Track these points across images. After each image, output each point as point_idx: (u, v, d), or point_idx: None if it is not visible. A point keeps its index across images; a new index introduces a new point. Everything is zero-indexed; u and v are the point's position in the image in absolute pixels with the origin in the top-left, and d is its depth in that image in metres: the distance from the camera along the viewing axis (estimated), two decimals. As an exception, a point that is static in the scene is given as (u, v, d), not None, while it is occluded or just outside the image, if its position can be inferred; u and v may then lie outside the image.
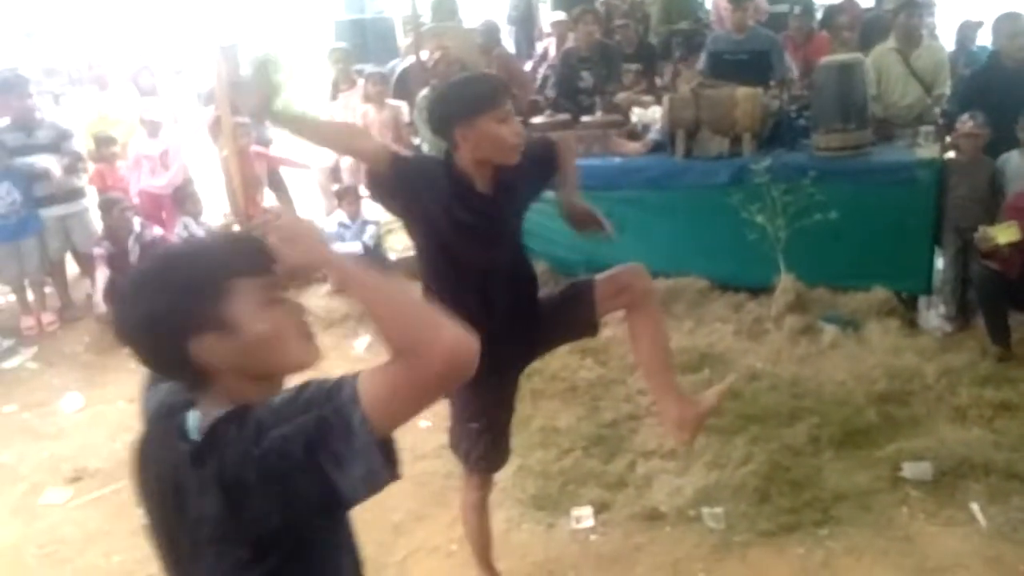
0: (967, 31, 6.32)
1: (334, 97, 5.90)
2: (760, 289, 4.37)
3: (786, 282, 4.21)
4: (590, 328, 2.34)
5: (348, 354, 4.40)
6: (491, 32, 5.91)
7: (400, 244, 5.84)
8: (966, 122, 3.87)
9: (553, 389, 3.66)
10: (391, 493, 3.05)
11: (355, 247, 5.27)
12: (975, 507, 2.71)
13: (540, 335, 2.31)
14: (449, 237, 2.07)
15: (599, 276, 2.33)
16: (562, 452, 3.19)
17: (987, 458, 2.93)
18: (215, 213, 5.77)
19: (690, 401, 2.31)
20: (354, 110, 5.59)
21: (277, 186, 5.79)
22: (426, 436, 3.46)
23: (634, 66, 5.91)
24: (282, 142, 5.92)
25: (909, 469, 2.91)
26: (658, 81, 5.73)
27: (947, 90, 4.70)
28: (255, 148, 5.53)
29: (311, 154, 5.81)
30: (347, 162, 5.47)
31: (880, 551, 2.56)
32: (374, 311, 1.02)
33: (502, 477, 3.06)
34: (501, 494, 3.02)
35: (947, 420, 3.23)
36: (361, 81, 5.73)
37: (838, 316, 4.07)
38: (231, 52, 5.87)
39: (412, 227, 2.20)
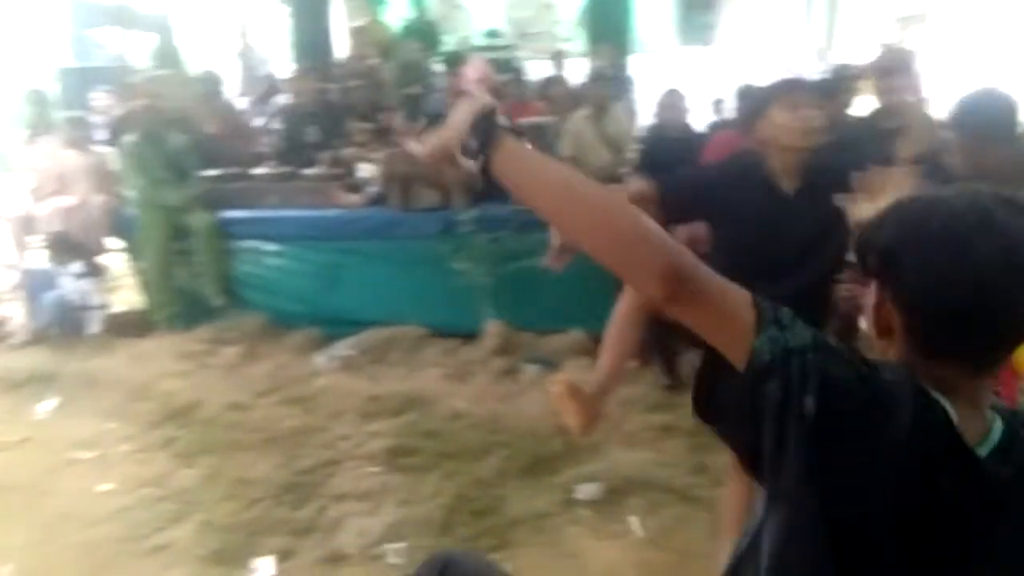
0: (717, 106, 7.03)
1: (31, 141, 5.43)
2: (473, 335, 4.57)
3: (493, 327, 4.45)
4: None
5: (29, 420, 3.98)
6: (211, 82, 5.79)
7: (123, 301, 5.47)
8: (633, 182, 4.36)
9: (251, 440, 3.54)
10: (53, 563, 2.77)
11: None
12: (634, 520, 2.97)
13: None
14: None
15: None
16: (250, 503, 3.08)
17: (648, 476, 3.24)
18: None
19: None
20: (53, 155, 5.17)
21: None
22: (103, 500, 3.21)
23: (367, 125, 6.06)
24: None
25: (581, 491, 3.14)
26: (392, 141, 5.91)
27: (630, 154, 5.27)
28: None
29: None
30: (44, 209, 5.04)
31: (547, 569, 2.72)
32: None
33: (180, 536, 2.91)
34: (181, 553, 2.86)
35: (620, 444, 3.53)
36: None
37: (539, 357, 4.35)
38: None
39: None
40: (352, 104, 6.19)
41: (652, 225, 0.91)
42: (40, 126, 5.38)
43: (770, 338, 0.88)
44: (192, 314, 5.02)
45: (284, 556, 2.80)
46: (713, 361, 0.94)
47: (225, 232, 4.95)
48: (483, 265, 4.41)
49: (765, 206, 2.32)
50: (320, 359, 4.47)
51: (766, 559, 0.95)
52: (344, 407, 3.86)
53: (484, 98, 1.13)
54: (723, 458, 3.35)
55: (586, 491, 3.14)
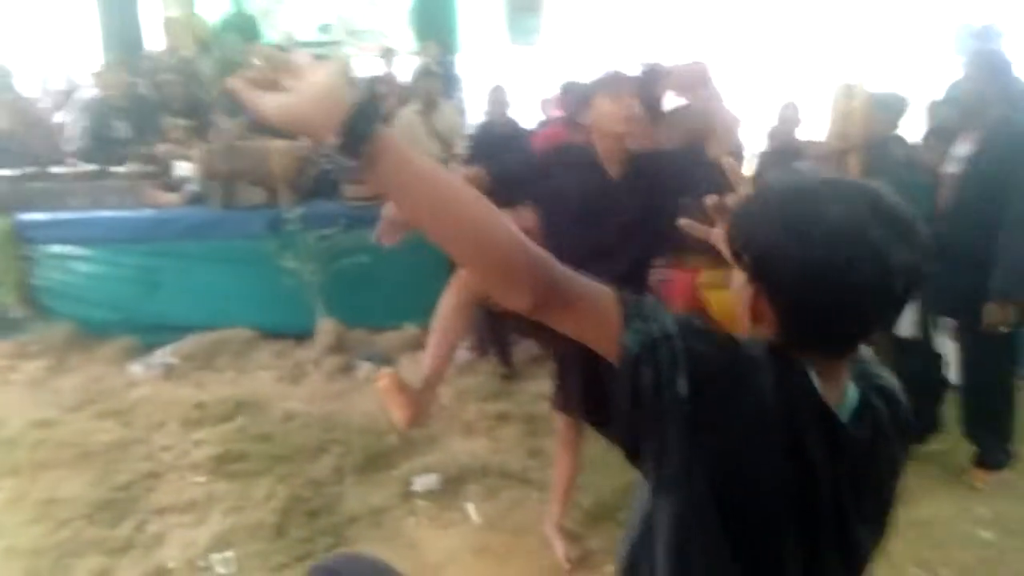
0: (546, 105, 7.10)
1: None
2: (306, 335, 4.45)
3: (325, 325, 4.36)
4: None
5: None
6: (0, 74, 5.28)
7: None
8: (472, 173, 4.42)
9: (60, 457, 3.27)
10: None
11: None
12: (470, 507, 3.02)
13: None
14: None
15: None
16: (60, 524, 2.84)
17: (485, 463, 3.30)
18: None
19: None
20: None
21: None
22: None
23: (183, 122, 5.74)
24: None
25: (418, 483, 3.15)
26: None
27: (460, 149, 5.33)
28: None
29: None
30: None
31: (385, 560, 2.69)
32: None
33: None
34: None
35: (457, 434, 3.58)
36: None
37: (373, 353, 4.30)
38: None
39: None
40: (166, 99, 5.85)
41: (523, 236, 0.91)
42: None
43: (636, 331, 0.92)
44: (-13, 326, 4.56)
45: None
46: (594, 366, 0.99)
47: (24, 237, 4.53)
48: (313, 263, 4.31)
49: (590, 190, 2.44)
50: (137, 368, 4.20)
51: (663, 550, 0.98)
52: (166, 417, 3.64)
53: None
54: (553, 440, 3.48)
55: (423, 482, 3.15)
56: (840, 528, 0.97)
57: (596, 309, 0.94)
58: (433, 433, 3.58)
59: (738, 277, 1.00)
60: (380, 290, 4.43)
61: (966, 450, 3.25)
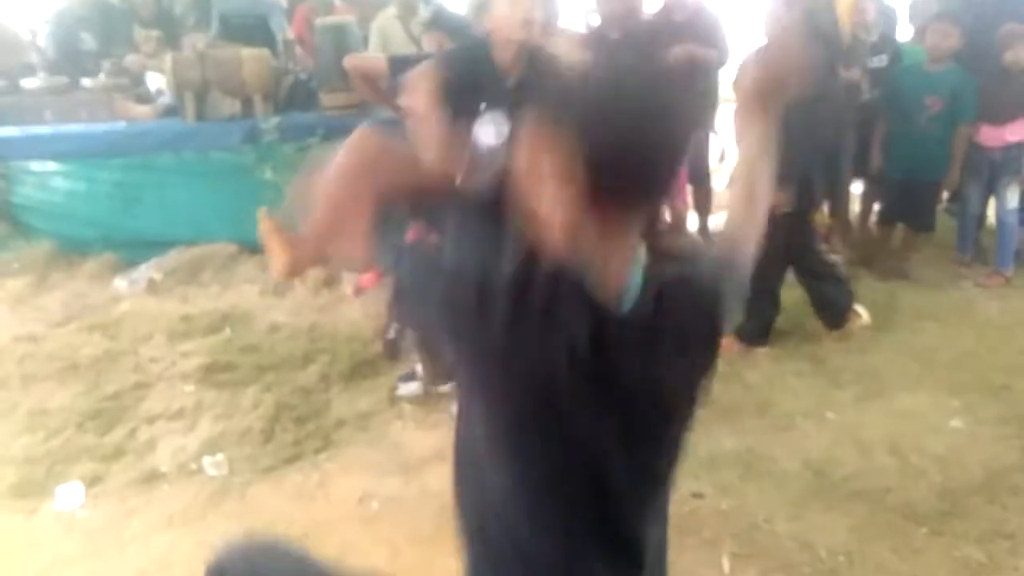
0: None
1: None
2: (288, 248, 4.43)
3: (307, 237, 4.34)
4: None
5: None
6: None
7: None
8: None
9: (48, 370, 3.29)
10: None
11: None
12: (454, 408, 3.07)
13: None
14: None
15: None
16: (51, 433, 2.88)
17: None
18: None
19: None
20: None
21: None
22: None
23: (155, 32, 5.56)
24: None
25: (403, 388, 3.20)
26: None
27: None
28: None
29: None
30: None
31: (371, 462, 2.77)
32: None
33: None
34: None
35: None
36: None
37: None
38: None
39: None
40: (135, 8, 5.64)
41: None
42: None
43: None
44: (-35, 246, 4.52)
45: (92, 482, 2.67)
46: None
47: (-3, 153, 4.45)
48: (292, 175, 4.24)
49: (488, 97, 2.41)
50: (121, 283, 4.19)
51: (484, 444, 1.00)
52: (152, 330, 3.66)
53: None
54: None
55: (408, 388, 3.20)
56: (627, 403, 0.96)
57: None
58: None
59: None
60: (362, 201, 4.40)
61: (947, 345, 3.37)
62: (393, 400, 3.15)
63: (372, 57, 3.40)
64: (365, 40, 4.85)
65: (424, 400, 3.15)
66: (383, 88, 3.45)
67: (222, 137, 4.37)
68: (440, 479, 2.63)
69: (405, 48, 5.12)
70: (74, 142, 4.44)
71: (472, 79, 2.43)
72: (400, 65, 3.19)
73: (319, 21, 4.58)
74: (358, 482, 2.65)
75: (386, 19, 5.18)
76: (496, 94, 2.43)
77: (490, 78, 2.48)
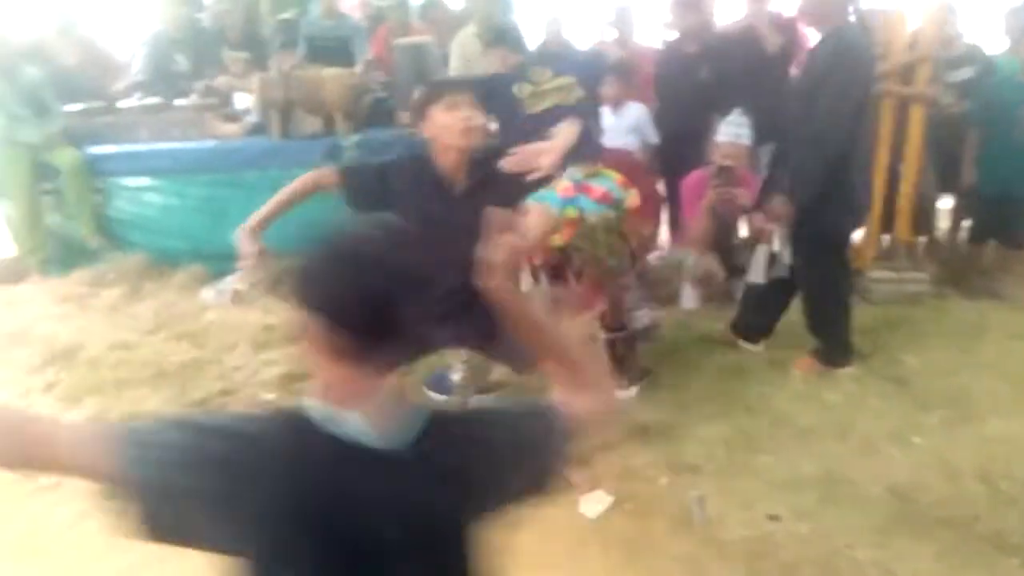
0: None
1: None
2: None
3: (384, 251, 4.45)
4: (521, 372, 2.67)
5: None
6: (67, 11, 5.39)
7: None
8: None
9: (140, 376, 3.46)
10: None
11: None
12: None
13: (477, 336, 2.46)
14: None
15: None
16: (142, 437, 3.03)
17: (542, 383, 3.35)
18: None
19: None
20: None
21: None
22: None
23: (243, 54, 5.80)
24: None
25: (472, 403, 3.23)
26: (271, 70, 5.68)
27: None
28: None
29: None
30: None
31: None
32: (559, 337, 1.16)
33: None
34: (70, 491, 2.79)
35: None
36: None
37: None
38: None
39: None
40: (225, 31, 5.90)
41: None
42: None
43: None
44: (68, 257, 4.79)
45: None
46: None
47: (95, 169, 4.71)
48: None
49: (433, 204, 2.34)
50: (208, 294, 4.37)
51: None
52: (236, 339, 3.80)
53: None
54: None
55: (478, 401, 3.23)
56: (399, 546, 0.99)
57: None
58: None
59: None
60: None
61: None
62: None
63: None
64: (444, 59, 4.95)
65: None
66: None
67: (305, 154, 4.51)
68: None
69: (486, 65, 5.22)
70: (166, 159, 4.67)
71: (417, 187, 2.38)
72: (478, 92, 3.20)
73: (398, 41, 4.70)
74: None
75: (466, 37, 5.28)
76: (445, 202, 2.38)
77: (436, 186, 2.41)
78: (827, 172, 3.00)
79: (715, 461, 2.77)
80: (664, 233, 4.78)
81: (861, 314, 3.91)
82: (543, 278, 3.35)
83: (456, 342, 2.71)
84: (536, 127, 2.96)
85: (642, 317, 3.39)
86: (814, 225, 3.12)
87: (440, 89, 2.41)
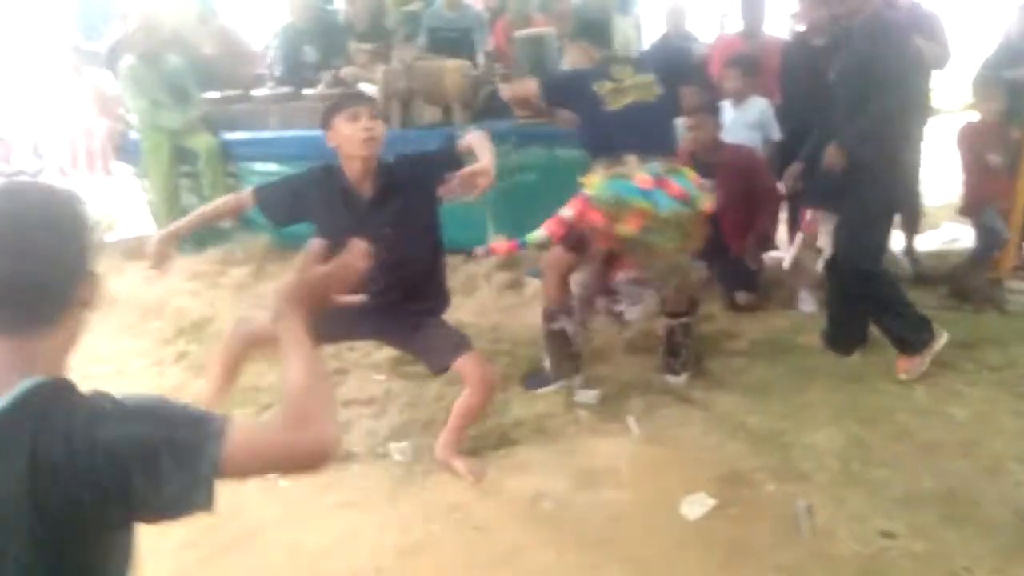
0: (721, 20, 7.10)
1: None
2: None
3: (496, 241, 4.49)
4: (435, 371, 2.79)
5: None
6: (207, 3, 5.72)
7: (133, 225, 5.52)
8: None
9: (261, 352, 3.63)
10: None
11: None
12: (631, 419, 3.07)
13: (397, 334, 2.71)
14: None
15: (468, 354, 2.64)
16: (261, 408, 3.20)
17: (648, 379, 3.33)
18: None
19: (454, 453, 2.76)
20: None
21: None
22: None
23: (368, 45, 5.98)
24: None
25: (581, 395, 3.23)
26: (394, 61, 5.85)
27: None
28: None
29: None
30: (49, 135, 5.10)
31: (545, 463, 2.82)
32: (295, 374, 1.15)
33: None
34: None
35: (622, 351, 3.62)
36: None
37: (540, 270, 4.39)
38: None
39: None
40: (352, 23, 6.11)
41: None
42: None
43: None
44: (201, 237, 5.07)
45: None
46: None
47: (229, 154, 4.98)
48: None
49: (343, 213, 2.49)
50: (327, 277, 4.54)
51: None
52: (351, 321, 3.94)
53: None
54: (720, 363, 3.44)
55: (586, 395, 3.23)
56: None
57: None
58: (598, 348, 3.65)
59: None
60: (549, 208, 4.47)
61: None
62: (570, 405, 3.19)
63: (525, 82, 3.58)
64: (561, 52, 4.94)
65: (601, 408, 3.17)
66: (537, 106, 3.68)
67: (423, 143, 4.58)
68: (613, 488, 2.64)
69: (569, 60, 5.19)
70: (294, 146, 4.87)
71: (328, 197, 2.52)
72: (551, 85, 3.35)
73: (518, 33, 4.73)
74: (532, 482, 2.71)
75: (582, 30, 5.25)
76: (353, 210, 2.51)
77: (345, 195, 2.53)
78: (880, 143, 3.08)
79: (827, 471, 2.66)
80: (783, 232, 4.62)
81: (995, 325, 3.67)
82: (594, 263, 3.44)
83: (375, 336, 2.89)
84: (617, 124, 3.05)
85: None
86: (858, 193, 3.13)
87: (343, 101, 2.57)
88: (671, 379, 3.31)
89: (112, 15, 6.54)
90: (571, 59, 3.85)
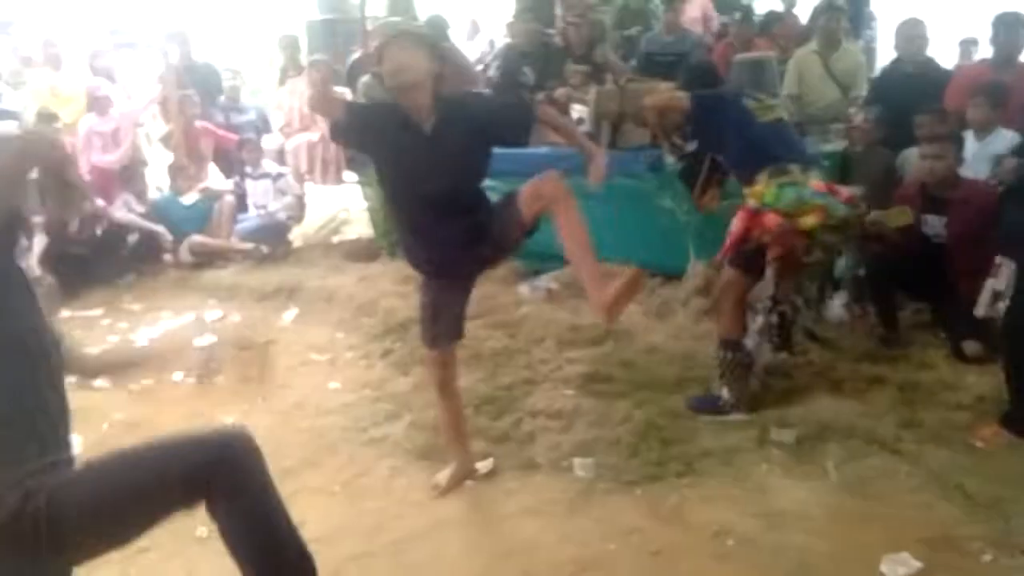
0: (966, 47, 6.90)
1: (282, 82, 6.06)
2: (675, 275, 4.55)
3: (695, 267, 4.40)
4: (520, 227, 2.66)
5: (275, 325, 4.56)
6: (437, 26, 6.08)
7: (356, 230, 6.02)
8: (857, 115, 4.09)
9: (459, 356, 3.76)
10: (287, 442, 3.19)
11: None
12: (829, 465, 2.87)
13: (480, 248, 2.69)
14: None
15: (522, 187, 2.62)
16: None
17: (851, 424, 3.10)
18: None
19: (608, 284, 2.60)
20: (300, 95, 5.76)
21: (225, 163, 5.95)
22: (333, 395, 3.63)
23: (583, 67, 6.11)
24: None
25: (776, 433, 3.07)
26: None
27: (864, 92, 4.90)
28: (200, 124, 5.71)
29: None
30: (292, 144, 5.66)
31: (732, 498, 2.70)
32: None
33: (393, 432, 3.24)
34: (391, 445, 3.18)
35: (824, 392, 3.40)
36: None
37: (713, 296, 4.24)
38: (181, 37, 6.05)
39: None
40: (569, 46, 6.26)
41: None
42: (290, 69, 5.98)
43: None
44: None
45: (482, 459, 3.01)
46: None
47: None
48: (687, 204, 4.35)
49: (404, 144, 2.50)
50: (524, 289, 4.67)
51: None
52: (545, 334, 4.03)
53: None
54: (936, 415, 3.14)
55: (782, 434, 3.06)
56: None
57: None
58: (798, 386, 3.46)
59: None
60: (754, 236, 4.33)
61: None
62: (763, 442, 3.04)
63: (675, 92, 3.56)
64: (782, 76, 4.79)
65: (796, 449, 2.99)
66: (673, 123, 3.60)
67: (630, 165, 4.62)
68: (803, 534, 2.49)
69: (820, 83, 4.96)
70: (506, 162, 5.02)
71: (392, 127, 2.51)
72: (701, 98, 3.31)
73: (738, 56, 4.62)
74: (716, 515, 2.61)
75: (805, 53, 5.06)
76: (416, 139, 2.50)
77: (406, 125, 2.51)
78: None
79: (1058, 549, 2.34)
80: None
81: None
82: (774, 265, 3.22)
83: (468, 270, 2.83)
84: (773, 135, 3.16)
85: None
86: None
87: (384, 34, 2.56)
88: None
89: (356, 36, 7.18)
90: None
